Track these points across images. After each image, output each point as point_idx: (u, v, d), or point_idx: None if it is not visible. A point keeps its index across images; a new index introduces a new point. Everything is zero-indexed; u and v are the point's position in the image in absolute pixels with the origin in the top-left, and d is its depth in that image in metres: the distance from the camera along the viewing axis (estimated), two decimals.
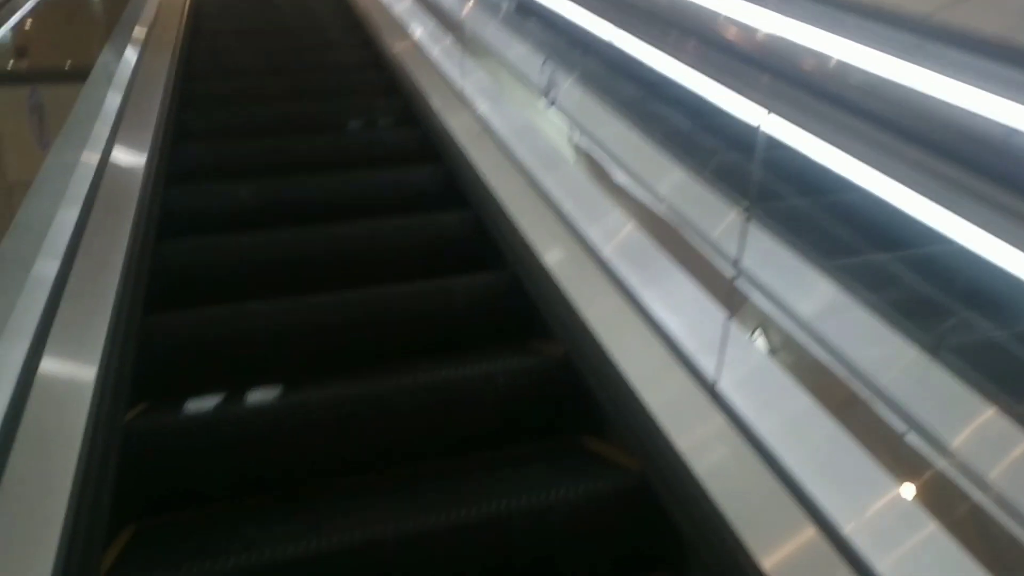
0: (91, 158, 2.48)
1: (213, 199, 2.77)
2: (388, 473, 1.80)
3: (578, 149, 2.56)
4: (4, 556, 1.21)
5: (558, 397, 1.92)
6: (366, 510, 1.62)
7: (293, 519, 1.59)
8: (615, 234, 2.09)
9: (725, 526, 1.35)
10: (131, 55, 3.70)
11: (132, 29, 4.12)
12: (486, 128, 2.97)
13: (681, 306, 1.76)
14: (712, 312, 1.67)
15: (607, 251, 2.04)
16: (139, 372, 1.86)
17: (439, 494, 1.64)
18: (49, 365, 1.63)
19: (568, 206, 2.30)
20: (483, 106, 3.14)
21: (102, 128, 2.73)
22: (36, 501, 1.36)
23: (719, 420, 1.49)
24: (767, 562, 1.26)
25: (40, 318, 1.71)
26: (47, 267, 1.88)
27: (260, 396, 1.83)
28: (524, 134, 2.78)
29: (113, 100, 3.03)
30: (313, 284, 2.18)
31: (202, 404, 1.81)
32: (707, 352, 1.61)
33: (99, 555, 1.39)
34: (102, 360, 1.71)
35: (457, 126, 3.08)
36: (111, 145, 2.65)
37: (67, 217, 2.13)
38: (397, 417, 1.84)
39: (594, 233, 2.14)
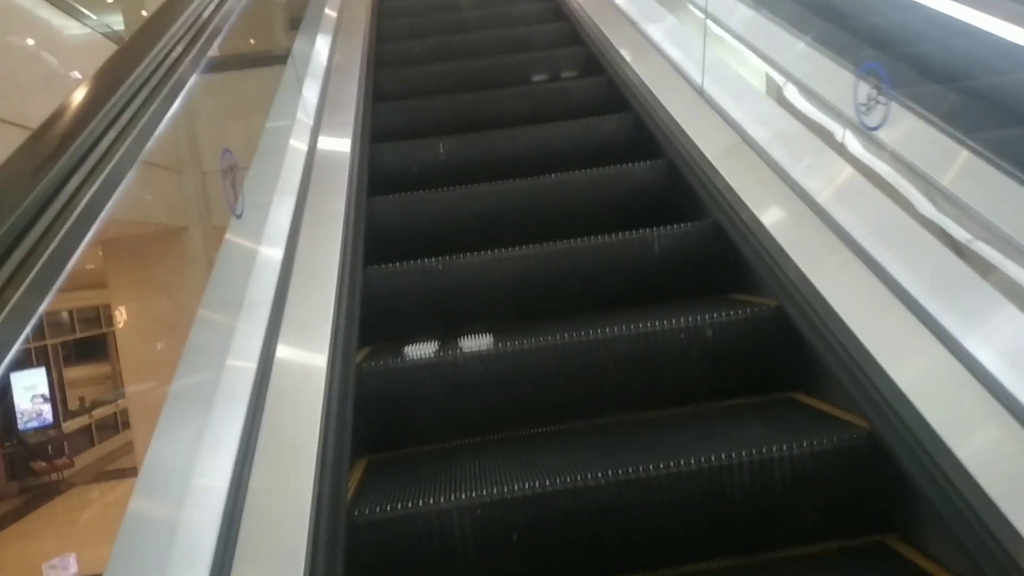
0: (305, 120, 2.65)
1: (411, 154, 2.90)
2: (597, 422, 1.83)
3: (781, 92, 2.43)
4: (275, 478, 1.36)
5: (769, 351, 1.87)
6: (580, 454, 1.66)
7: (512, 460, 1.65)
8: (832, 181, 1.97)
9: (977, 492, 1.26)
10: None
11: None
12: (678, 72, 2.88)
13: (916, 256, 1.63)
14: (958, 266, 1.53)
15: (823, 198, 1.93)
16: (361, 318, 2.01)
17: (652, 442, 1.65)
18: (292, 310, 1.79)
19: (776, 152, 2.19)
20: (674, 52, 3.04)
21: (311, 91, 2.92)
22: (293, 433, 1.51)
23: (970, 382, 1.38)
24: None
25: (280, 269, 1.88)
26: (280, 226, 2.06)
27: (472, 343, 1.91)
28: (721, 77, 2.66)
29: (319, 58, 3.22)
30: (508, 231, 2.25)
31: (422, 349, 1.92)
32: (954, 310, 1.48)
33: (345, 478, 1.53)
34: (336, 306, 1.85)
35: (645, 73, 3.01)
36: (322, 103, 2.83)
37: (291, 180, 2.31)
38: (604, 366, 1.86)
39: (807, 180, 2.03)
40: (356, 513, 1.46)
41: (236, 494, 1.29)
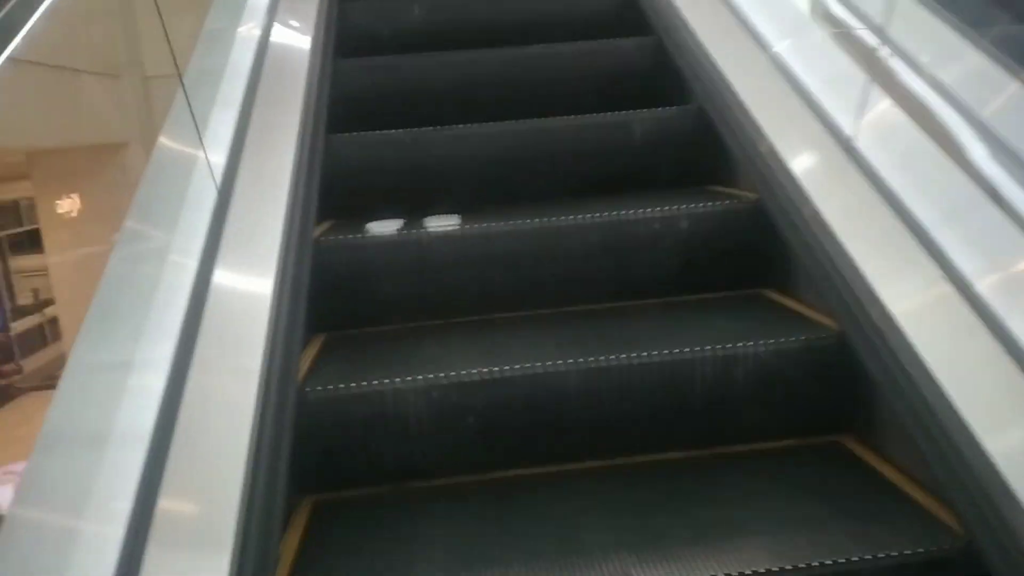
0: None
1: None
2: (564, 309, 1.78)
3: None
4: (222, 351, 1.30)
5: (744, 245, 1.81)
6: (541, 341, 1.62)
7: (474, 344, 1.61)
8: (823, 61, 1.85)
9: (938, 394, 1.23)
10: None
11: None
12: None
13: (912, 161, 1.56)
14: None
15: (814, 85, 1.82)
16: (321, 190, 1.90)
17: (617, 332, 1.61)
18: (246, 175, 1.68)
19: (765, 29, 2.05)
20: None
21: None
22: (243, 304, 1.43)
23: (945, 286, 1.34)
24: (991, 444, 1.14)
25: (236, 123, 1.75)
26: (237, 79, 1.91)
27: (438, 222, 1.83)
28: None
29: None
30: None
31: (385, 225, 1.83)
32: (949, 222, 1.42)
33: (297, 354, 1.47)
34: (293, 177, 1.73)
35: None
36: None
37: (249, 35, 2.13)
38: (573, 253, 1.80)
39: (798, 63, 1.91)
40: (308, 389, 1.41)
41: (179, 369, 1.22)
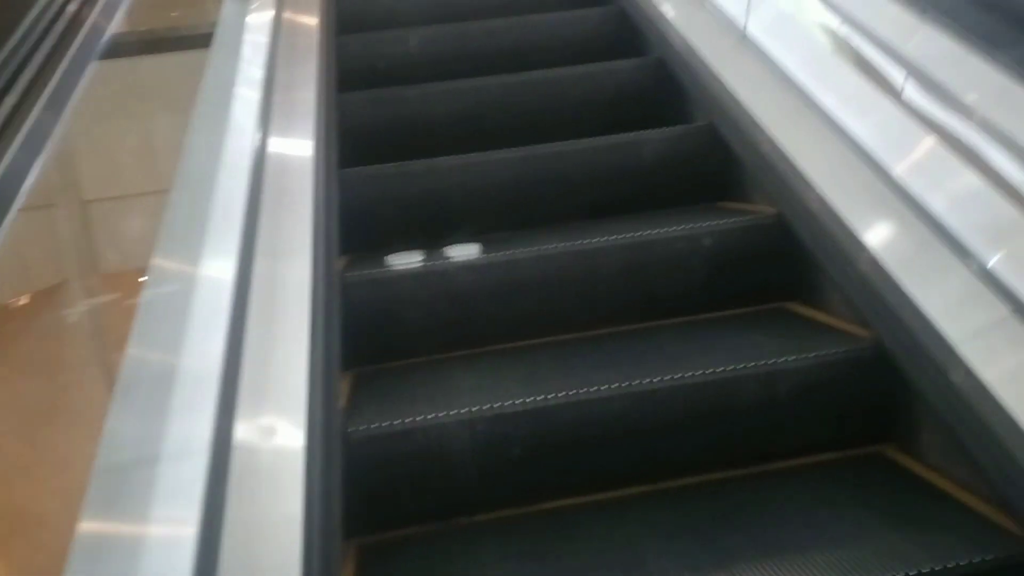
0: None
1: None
2: (594, 332, 1.77)
3: None
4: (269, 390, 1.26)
5: (768, 261, 1.82)
6: (575, 365, 1.61)
7: (508, 373, 1.59)
8: (835, 75, 1.88)
9: (988, 400, 1.24)
10: None
11: None
12: None
13: (934, 165, 1.58)
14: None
15: (829, 99, 1.84)
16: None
17: (653, 354, 1.61)
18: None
19: (772, 44, 2.08)
20: None
21: None
22: (281, 347, 1.40)
23: (984, 293, 1.35)
24: None
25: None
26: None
27: (460, 251, 1.82)
28: None
29: None
30: None
31: (407, 257, 1.82)
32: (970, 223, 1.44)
33: (338, 400, 1.44)
34: (314, 210, 1.72)
35: None
36: None
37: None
38: (598, 275, 1.79)
39: (809, 77, 1.94)
40: (350, 430, 1.39)
41: (223, 425, 1.18)
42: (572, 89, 2.45)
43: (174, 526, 0.98)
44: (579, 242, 1.75)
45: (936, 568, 1.13)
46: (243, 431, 1.17)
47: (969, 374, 1.28)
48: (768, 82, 2.02)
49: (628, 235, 1.77)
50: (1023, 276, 1.35)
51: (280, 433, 1.25)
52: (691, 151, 2.12)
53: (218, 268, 1.47)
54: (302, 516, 1.08)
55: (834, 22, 2.01)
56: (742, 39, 2.19)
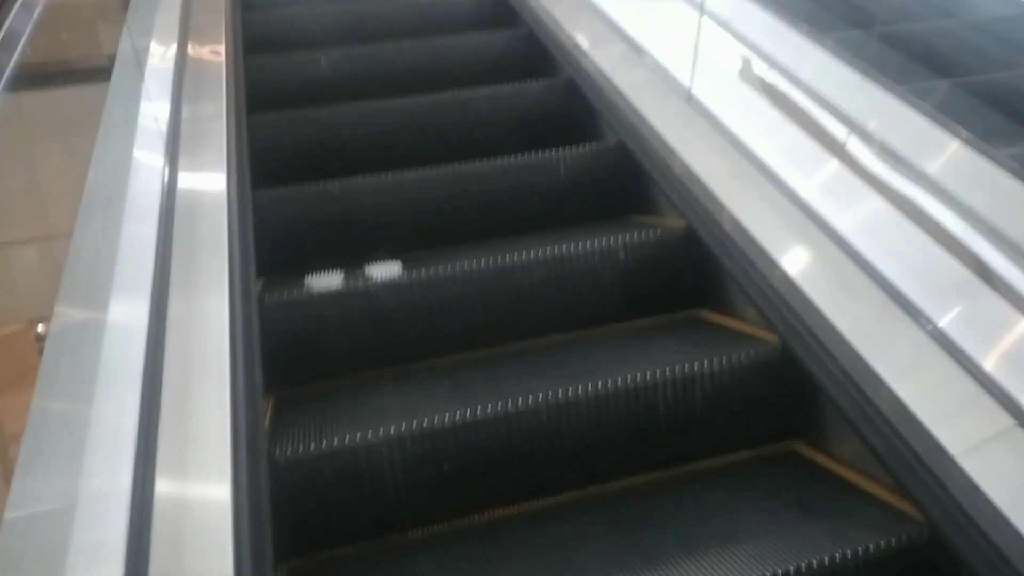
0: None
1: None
2: (517, 346, 1.80)
3: None
4: (183, 419, 1.24)
5: (678, 271, 1.90)
6: (501, 378, 1.63)
7: (434, 390, 1.60)
8: (738, 95, 1.99)
9: (888, 396, 1.34)
10: None
11: None
12: None
13: (826, 173, 1.69)
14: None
15: (734, 119, 1.95)
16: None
17: (575, 365, 1.65)
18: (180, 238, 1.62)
19: (681, 70, 2.18)
20: None
21: None
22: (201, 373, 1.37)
23: (878, 295, 1.46)
24: (943, 434, 1.24)
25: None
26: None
27: (382, 271, 1.82)
28: None
29: None
30: None
31: (320, 279, 1.80)
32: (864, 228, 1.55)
33: (263, 426, 1.42)
34: (228, 233, 1.69)
35: None
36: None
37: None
38: (520, 291, 1.83)
39: (711, 95, 2.04)
40: (276, 453, 1.37)
41: (145, 462, 1.15)
42: (484, 109, 2.49)
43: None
44: (499, 259, 1.78)
45: (845, 553, 1.21)
46: (166, 464, 1.14)
47: (868, 371, 1.38)
48: (673, 101, 2.12)
49: (546, 251, 1.81)
50: (911, 273, 1.48)
51: (205, 464, 1.22)
52: (603, 168, 2.19)
53: (129, 302, 1.44)
54: (232, 543, 1.06)
55: (735, 44, 2.14)
56: (647, 62, 2.29)
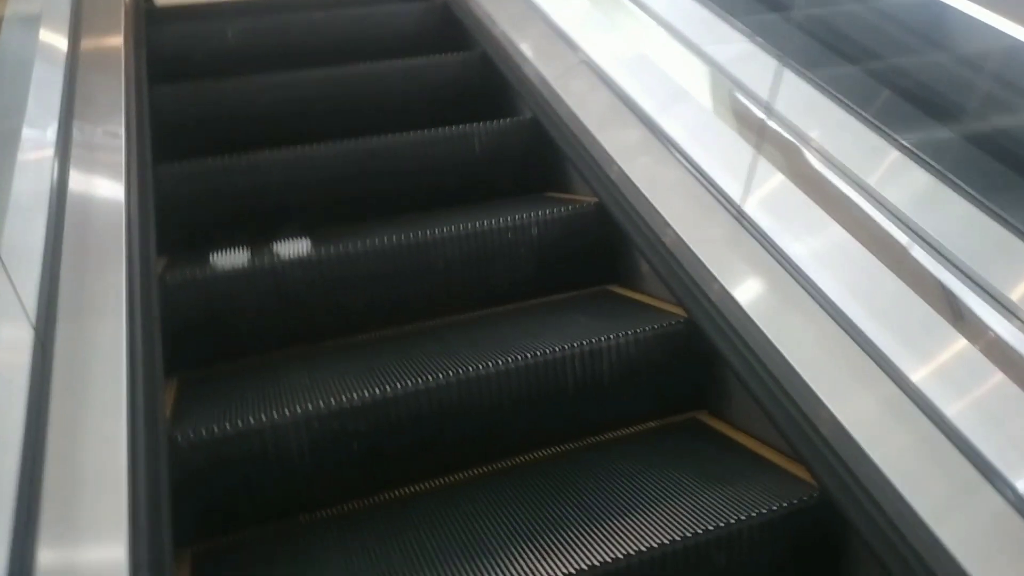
0: None
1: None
2: (430, 323, 1.80)
3: None
4: (77, 409, 1.19)
5: (590, 247, 1.92)
6: (413, 356, 1.63)
7: (346, 368, 1.59)
8: (650, 73, 2.01)
9: (783, 365, 1.39)
10: None
11: None
12: None
13: (723, 148, 1.73)
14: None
15: (644, 97, 1.97)
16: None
17: (487, 341, 1.66)
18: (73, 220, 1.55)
19: (595, 48, 2.19)
20: None
21: None
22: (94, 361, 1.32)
23: (771, 263, 1.51)
24: (834, 402, 1.29)
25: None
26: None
27: (292, 248, 1.78)
28: None
29: None
30: None
31: (227, 257, 1.75)
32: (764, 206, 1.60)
33: (163, 407, 1.38)
34: (126, 209, 1.62)
35: None
36: None
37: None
38: (433, 268, 1.82)
39: (623, 73, 2.06)
40: (179, 437, 1.33)
41: (33, 454, 1.10)
42: (399, 81, 2.46)
43: None
44: (412, 235, 1.77)
45: (742, 517, 1.26)
46: (56, 455, 1.09)
47: (767, 343, 1.43)
48: (586, 78, 2.13)
49: (460, 227, 1.80)
50: (811, 249, 1.53)
51: (100, 447, 1.18)
52: (517, 144, 2.20)
53: (16, 286, 1.36)
54: (127, 525, 1.04)
55: (645, 20, 2.16)
56: (560, 37, 2.29)
